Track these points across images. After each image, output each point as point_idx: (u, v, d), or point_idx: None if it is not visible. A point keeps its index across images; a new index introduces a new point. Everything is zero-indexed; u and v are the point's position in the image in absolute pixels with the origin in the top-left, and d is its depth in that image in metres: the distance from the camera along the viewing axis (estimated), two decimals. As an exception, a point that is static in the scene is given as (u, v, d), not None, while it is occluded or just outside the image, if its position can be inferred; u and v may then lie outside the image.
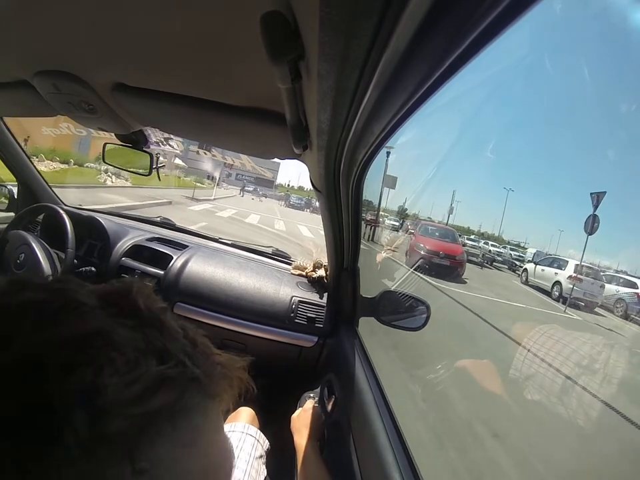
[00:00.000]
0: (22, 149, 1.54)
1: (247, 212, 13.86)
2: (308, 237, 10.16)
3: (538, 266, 8.07)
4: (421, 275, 6.42)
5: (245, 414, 1.00)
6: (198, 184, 21.33)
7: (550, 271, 7.52)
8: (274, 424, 1.04)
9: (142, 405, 0.21)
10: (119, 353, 0.22)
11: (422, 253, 7.81)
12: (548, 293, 7.14)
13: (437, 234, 9.22)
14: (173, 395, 0.23)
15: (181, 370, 0.24)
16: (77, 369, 0.21)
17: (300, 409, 1.00)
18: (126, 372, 0.22)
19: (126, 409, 0.21)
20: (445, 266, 7.57)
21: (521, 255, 11.89)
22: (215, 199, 15.82)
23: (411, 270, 6.74)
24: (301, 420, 0.94)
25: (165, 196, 10.76)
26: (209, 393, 0.26)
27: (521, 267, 9.74)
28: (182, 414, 0.24)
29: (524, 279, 8.50)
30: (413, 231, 9.47)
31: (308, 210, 26.26)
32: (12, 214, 1.57)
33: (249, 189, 30.19)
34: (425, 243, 8.21)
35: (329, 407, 0.99)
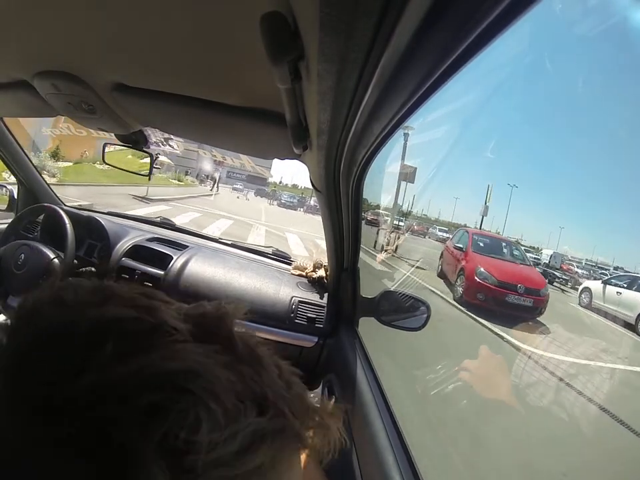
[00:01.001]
0: (22, 149, 1.54)
1: (218, 215, 10.91)
2: (299, 254, 7.42)
3: (608, 286, 5.91)
4: (488, 324, 4.14)
5: None
6: (175, 181, 19.72)
7: (632, 295, 5.37)
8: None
9: (235, 466, 0.18)
10: (218, 403, 0.18)
11: (488, 285, 4.82)
12: (630, 326, 4.99)
13: (501, 252, 5.89)
14: (271, 453, 0.19)
15: (282, 424, 0.20)
16: (168, 414, 0.17)
17: None
18: (224, 426, 0.18)
19: (216, 471, 0.17)
20: (526, 308, 4.68)
21: (537, 257, 10.31)
22: (181, 198, 13.55)
23: (474, 316, 4.36)
24: None
25: (104, 195, 8.51)
26: (304, 445, 0.22)
27: (563, 278, 7.80)
28: (273, 471, 0.20)
29: (585, 301, 6.23)
30: (460, 246, 5.96)
31: (301, 209, 24.52)
32: (12, 214, 1.57)
33: (237, 186, 27.43)
34: (489, 268, 5.03)
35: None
